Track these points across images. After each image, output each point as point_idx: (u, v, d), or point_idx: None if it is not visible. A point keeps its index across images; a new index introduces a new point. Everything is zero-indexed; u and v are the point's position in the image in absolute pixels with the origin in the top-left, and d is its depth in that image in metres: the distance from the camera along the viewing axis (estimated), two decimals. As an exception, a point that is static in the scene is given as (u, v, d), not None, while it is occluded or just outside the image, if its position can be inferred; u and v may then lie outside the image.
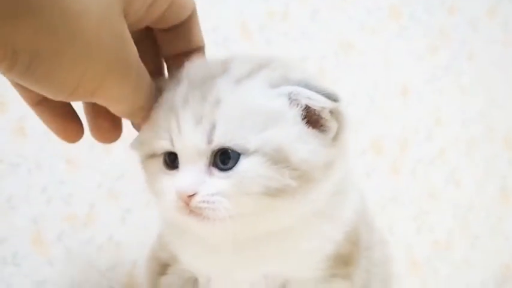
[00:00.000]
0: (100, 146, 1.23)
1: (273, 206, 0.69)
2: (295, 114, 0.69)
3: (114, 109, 0.67)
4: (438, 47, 1.68)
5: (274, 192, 0.68)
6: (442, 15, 1.68)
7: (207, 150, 0.68)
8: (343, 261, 0.81)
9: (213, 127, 0.67)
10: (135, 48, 0.63)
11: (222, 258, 0.78)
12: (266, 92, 0.69)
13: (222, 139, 0.67)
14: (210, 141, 0.67)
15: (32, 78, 0.56)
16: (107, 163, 1.25)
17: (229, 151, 0.67)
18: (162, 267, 0.88)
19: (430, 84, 1.66)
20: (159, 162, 0.73)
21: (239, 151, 0.67)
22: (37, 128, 1.19)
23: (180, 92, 0.70)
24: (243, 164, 0.67)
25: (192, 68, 0.73)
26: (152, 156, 0.74)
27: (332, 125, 0.71)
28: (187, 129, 0.68)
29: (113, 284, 1.26)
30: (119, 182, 1.26)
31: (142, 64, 0.65)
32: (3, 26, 0.50)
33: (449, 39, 1.70)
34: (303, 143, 0.69)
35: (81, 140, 1.21)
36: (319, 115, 0.70)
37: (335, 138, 0.72)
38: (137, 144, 0.78)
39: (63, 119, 0.72)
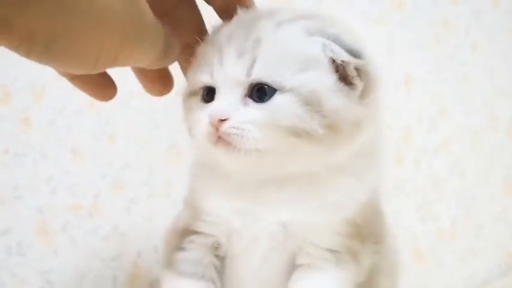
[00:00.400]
0: (105, 136, 1.24)
1: (299, 148, 0.72)
2: (328, 65, 0.72)
3: (137, 66, 0.71)
4: (442, 37, 1.68)
5: (302, 134, 0.71)
6: (446, 5, 1.68)
7: (245, 82, 0.71)
8: (357, 233, 0.83)
9: (253, 62, 0.71)
10: (147, 6, 0.63)
11: (247, 199, 0.79)
12: (303, 38, 0.73)
13: (261, 73, 0.71)
14: (249, 74, 0.71)
15: (52, 58, 0.56)
16: (111, 153, 1.25)
17: (266, 87, 0.71)
18: (179, 239, 0.88)
19: (434, 74, 1.66)
20: (198, 99, 0.78)
21: (275, 87, 0.71)
22: (42, 118, 1.19)
23: (226, 31, 0.75)
24: (278, 98, 0.71)
25: (241, 13, 0.78)
26: (193, 94, 0.79)
27: (358, 82, 0.73)
28: (229, 61, 0.72)
29: (118, 274, 1.26)
30: (123, 172, 1.26)
31: (154, 18, 0.65)
32: (15, 11, 0.50)
33: (452, 29, 1.69)
34: (335, 94, 0.72)
35: (86, 131, 1.22)
36: (345, 71, 0.73)
37: (362, 96, 0.74)
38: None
39: (99, 85, 0.75)
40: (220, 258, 0.88)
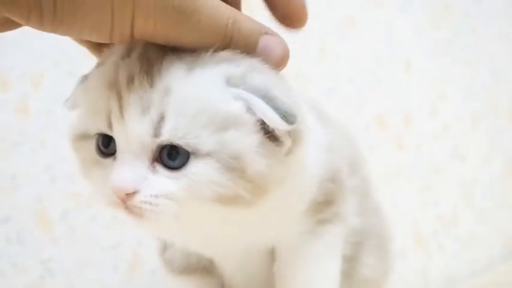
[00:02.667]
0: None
1: (225, 214, 0.63)
2: (253, 123, 0.60)
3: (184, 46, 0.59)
4: (441, 22, 1.67)
5: (227, 200, 0.61)
6: (445, -11, 1.68)
7: (152, 144, 0.59)
8: (326, 201, 0.76)
9: (161, 119, 0.58)
10: None
11: (203, 240, 0.74)
12: (222, 90, 0.60)
13: (172, 134, 0.58)
14: (157, 135, 0.58)
15: (64, 25, 0.54)
16: (110, 140, 1.25)
17: (179, 150, 0.59)
18: (162, 242, 0.87)
19: (434, 59, 1.66)
20: (90, 146, 0.64)
21: (190, 150, 0.59)
22: (40, 106, 1.19)
23: (127, 67, 0.60)
24: (195, 165, 0.59)
25: (146, 45, 0.61)
26: (84, 137, 0.65)
27: (286, 141, 0.62)
28: (131, 117, 0.58)
29: (118, 262, 1.26)
30: (122, 159, 1.26)
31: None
32: None
33: (452, 13, 1.69)
34: (260, 155, 0.61)
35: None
36: (273, 130, 0.61)
37: (288, 153, 0.64)
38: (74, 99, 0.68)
39: None
40: None
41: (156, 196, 0.59)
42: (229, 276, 0.87)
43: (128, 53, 0.61)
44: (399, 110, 1.59)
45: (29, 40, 1.17)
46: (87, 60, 1.21)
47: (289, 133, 0.61)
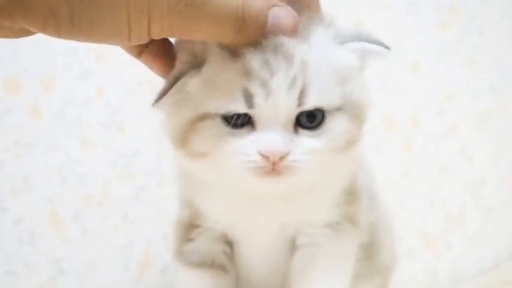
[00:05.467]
0: (114, 126, 1.25)
1: (336, 160, 0.71)
2: (360, 67, 0.71)
3: (199, 38, 0.63)
4: (448, 23, 1.68)
5: (348, 146, 0.70)
6: (452, -10, 1.68)
7: (296, 111, 0.67)
8: (352, 197, 0.84)
9: (303, 89, 0.65)
10: None
11: (247, 209, 0.79)
12: (338, 49, 0.69)
13: (315, 100, 0.66)
14: (301, 104, 0.66)
15: (83, 32, 0.55)
16: (121, 142, 1.26)
17: (316, 110, 0.67)
18: (186, 231, 0.88)
19: (441, 59, 1.66)
20: (217, 122, 0.69)
21: (327, 109, 0.68)
22: (52, 109, 1.20)
23: (254, 56, 0.65)
24: (330, 121, 0.68)
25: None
26: (204, 118, 0.69)
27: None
28: (280, 93, 0.65)
29: (128, 262, 1.27)
30: (133, 160, 1.27)
31: None
32: None
33: (459, 14, 1.69)
34: (365, 92, 0.72)
35: (95, 120, 1.23)
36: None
37: None
38: (171, 105, 0.72)
39: (166, 61, 0.70)
40: (226, 244, 0.88)
41: (303, 154, 0.67)
42: (247, 269, 0.89)
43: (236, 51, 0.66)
44: (407, 110, 1.60)
45: (40, 44, 1.18)
46: (98, 64, 1.24)
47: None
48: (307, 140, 0.68)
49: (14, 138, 1.17)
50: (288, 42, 0.65)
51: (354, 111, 0.69)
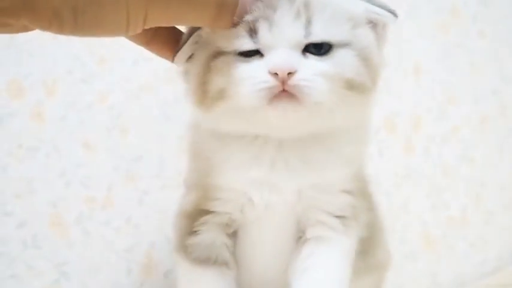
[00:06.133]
0: (117, 129, 1.25)
1: (350, 100, 0.74)
2: (369, 24, 0.77)
3: (186, 25, 0.70)
4: (449, 25, 1.68)
5: (355, 86, 0.73)
6: (453, -7, 1.69)
7: (303, 42, 0.71)
8: (360, 190, 0.88)
9: (308, 22, 0.71)
10: None
11: (265, 167, 0.81)
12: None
13: (320, 32, 0.71)
14: (307, 34, 0.71)
15: (85, 31, 0.57)
16: (123, 146, 1.26)
17: (323, 43, 0.72)
18: (190, 222, 0.89)
19: (442, 62, 1.66)
20: (230, 56, 0.74)
21: (334, 43, 0.72)
22: (54, 112, 1.20)
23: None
24: (338, 52, 0.73)
25: None
26: (217, 55, 0.75)
27: (382, 34, 0.79)
28: (286, 24, 0.70)
29: (131, 265, 1.27)
30: (136, 164, 1.27)
31: None
32: None
33: (460, 16, 1.70)
34: (376, 47, 0.77)
35: (98, 124, 1.23)
36: (377, 26, 0.78)
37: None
38: (188, 51, 0.78)
39: (173, 47, 0.74)
40: (231, 236, 0.89)
41: (313, 74, 0.70)
42: (249, 263, 0.90)
43: None
44: (408, 113, 1.60)
45: (43, 48, 1.19)
46: (100, 67, 1.24)
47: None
48: (315, 62, 0.72)
49: (17, 142, 1.18)
50: None
51: (362, 53, 0.74)
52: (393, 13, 0.77)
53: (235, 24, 0.71)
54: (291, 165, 0.80)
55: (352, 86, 0.73)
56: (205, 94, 0.77)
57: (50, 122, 1.20)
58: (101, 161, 1.25)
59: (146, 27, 0.62)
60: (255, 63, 0.72)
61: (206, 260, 0.87)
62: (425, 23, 1.64)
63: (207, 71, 0.76)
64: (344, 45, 0.73)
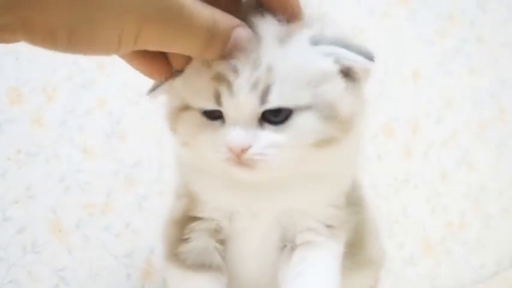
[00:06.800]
0: (116, 135, 1.25)
1: (318, 155, 0.74)
2: (338, 71, 0.72)
3: (176, 52, 0.68)
4: (447, 30, 1.69)
5: (322, 144, 0.72)
6: (451, -2, 1.69)
7: (260, 110, 0.70)
8: (346, 202, 0.88)
9: (267, 90, 0.69)
10: None
11: (243, 196, 0.81)
12: (310, 52, 0.72)
13: (277, 100, 0.70)
14: (264, 102, 0.69)
15: (78, 49, 0.58)
16: (122, 151, 1.27)
17: (281, 109, 0.71)
18: (179, 230, 0.89)
19: (441, 67, 1.67)
20: (196, 114, 0.75)
21: (292, 108, 0.71)
22: (54, 118, 1.21)
23: (224, 61, 0.70)
24: (297, 118, 0.71)
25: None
26: (185, 108, 0.77)
27: (362, 76, 0.75)
28: (242, 94, 0.69)
29: (131, 271, 1.27)
30: (134, 169, 1.28)
31: (195, 4, 0.64)
32: (34, 12, 0.52)
33: (458, 22, 1.70)
34: (346, 96, 0.73)
35: (97, 130, 1.23)
36: (351, 70, 0.74)
37: (360, 88, 0.77)
38: (163, 94, 0.80)
39: (153, 64, 0.73)
40: (222, 242, 0.89)
41: (265, 147, 0.71)
42: (239, 269, 0.90)
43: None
44: (407, 118, 1.60)
45: (42, 54, 1.19)
46: (99, 73, 1.24)
47: (363, 71, 0.75)
48: (270, 134, 0.72)
49: (17, 147, 1.18)
50: (260, 49, 0.69)
51: (326, 112, 0.72)
52: (369, 57, 0.73)
53: (223, 57, 0.69)
54: (269, 194, 0.81)
55: (317, 145, 0.73)
56: (176, 134, 0.81)
57: (50, 128, 1.21)
58: (100, 167, 1.25)
59: (136, 48, 0.62)
60: (217, 131, 0.74)
61: (201, 266, 0.87)
62: (424, 29, 1.65)
63: (177, 119, 0.79)
64: (305, 108, 0.71)
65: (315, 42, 0.72)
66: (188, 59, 0.72)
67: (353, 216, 0.91)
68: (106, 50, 0.60)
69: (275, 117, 0.71)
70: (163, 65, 0.74)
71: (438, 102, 1.65)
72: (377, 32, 1.58)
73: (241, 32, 0.69)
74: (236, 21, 0.68)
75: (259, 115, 0.71)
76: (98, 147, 1.25)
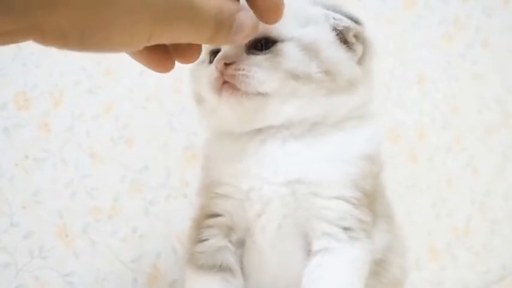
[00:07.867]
0: (123, 140, 1.25)
1: (297, 90, 0.80)
2: (328, 27, 0.82)
3: (187, 42, 0.70)
4: (453, 36, 1.69)
5: (301, 76, 0.79)
6: (456, 4, 1.69)
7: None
8: (367, 204, 0.87)
9: None
10: None
11: (251, 160, 0.85)
12: (306, 4, 0.83)
13: (264, 29, 0.76)
14: None
15: (89, 48, 0.58)
16: (129, 156, 1.27)
17: (270, 39, 0.80)
18: (198, 230, 0.91)
19: (446, 72, 1.67)
20: (205, 64, 0.86)
21: (277, 39, 0.79)
22: (61, 123, 1.21)
23: None
24: (280, 45, 0.79)
25: None
26: (200, 63, 0.87)
27: (358, 47, 0.83)
28: None
29: (137, 276, 1.27)
30: (141, 174, 1.28)
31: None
32: (45, 14, 0.52)
33: (463, 27, 1.70)
34: (333, 47, 0.81)
35: (104, 135, 1.23)
36: (346, 37, 0.82)
37: (361, 61, 0.84)
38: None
39: (159, 58, 0.74)
40: (236, 244, 0.90)
41: (247, 65, 0.78)
42: (257, 269, 0.91)
43: None
44: (412, 123, 1.60)
45: (49, 59, 1.19)
46: (106, 79, 1.25)
47: (359, 39, 0.84)
48: (255, 56, 0.80)
49: (24, 152, 1.18)
50: None
51: (307, 46, 0.80)
52: (355, 20, 0.82)
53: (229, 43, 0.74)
54: (275, 158, 0.84)
55: (297, 76, 0.79)
56: (197, 96, 0.90)
57: (57, 133, 1.21)
58: (107, 172, 1.25)
59: (148, 44, 0.64)
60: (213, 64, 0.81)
61: (211, 267, 0.89)
62: (429, 34, 1.65)
63: (195, 80, 0.90)
64: (289, 39, 0.80)
65: (313, 3, 0.84)
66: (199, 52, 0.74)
67: (383, 233, 0.92)
68: (118, 49, 0.61)
69: (263, 46, 0.80)
70: (167, 57, 0.74)
71: (443, 107, 1.65)
72: (383, 38, 1.58)
73: (244, 17, 0.70)
74: (237, 5, 0.69)
75: (250, 43, 0.80)
76: (105, 152, 1.25)
